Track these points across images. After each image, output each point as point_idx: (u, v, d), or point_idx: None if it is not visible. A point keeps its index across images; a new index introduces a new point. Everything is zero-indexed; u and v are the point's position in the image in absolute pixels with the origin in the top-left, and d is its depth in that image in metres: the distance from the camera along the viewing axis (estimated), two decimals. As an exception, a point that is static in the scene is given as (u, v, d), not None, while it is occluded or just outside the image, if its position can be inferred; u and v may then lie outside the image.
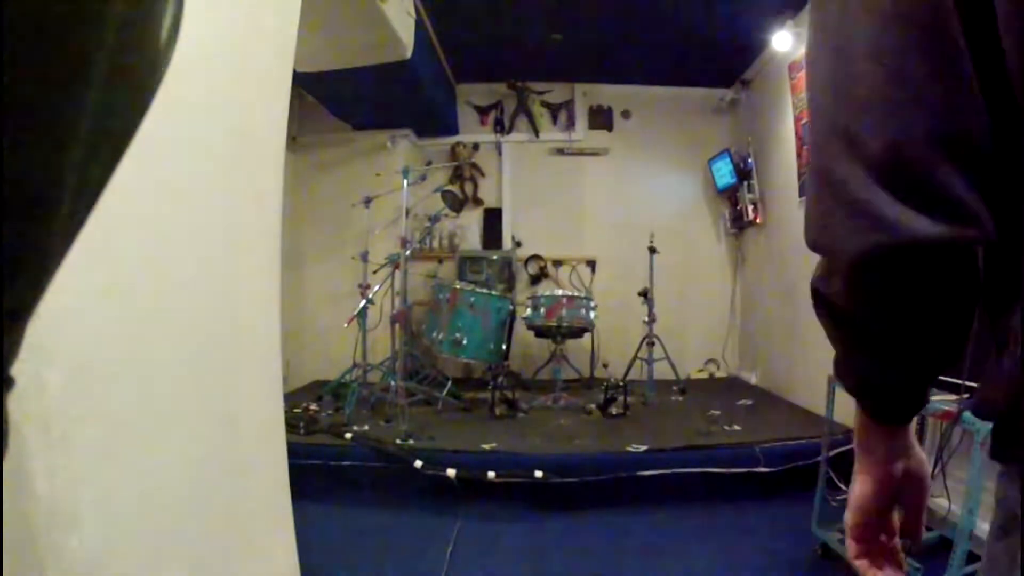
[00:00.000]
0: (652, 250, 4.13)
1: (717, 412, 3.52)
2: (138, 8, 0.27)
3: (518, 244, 4.90)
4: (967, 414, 1.56)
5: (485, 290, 4.06)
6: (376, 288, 3.92)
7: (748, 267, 4.91)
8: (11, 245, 0.24)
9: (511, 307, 4.10)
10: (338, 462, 2.76)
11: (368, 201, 4.15)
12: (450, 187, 3.94)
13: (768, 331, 4.43)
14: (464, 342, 3.85)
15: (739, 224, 4.83)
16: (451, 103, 4.93)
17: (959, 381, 1.64)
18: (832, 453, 2.53)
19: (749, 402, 3.85)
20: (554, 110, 5.06)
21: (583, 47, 4.30)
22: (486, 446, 2.83)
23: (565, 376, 4.27)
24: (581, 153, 5.06)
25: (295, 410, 3.37)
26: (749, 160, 4.51)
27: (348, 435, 2.93)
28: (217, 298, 1.17)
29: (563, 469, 2.64)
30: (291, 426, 2.63)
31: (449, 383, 3.85)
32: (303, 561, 1.49)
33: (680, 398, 4.05)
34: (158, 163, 0.92)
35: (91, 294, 0.80)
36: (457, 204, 4.14)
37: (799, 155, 3.74)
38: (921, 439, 2.29)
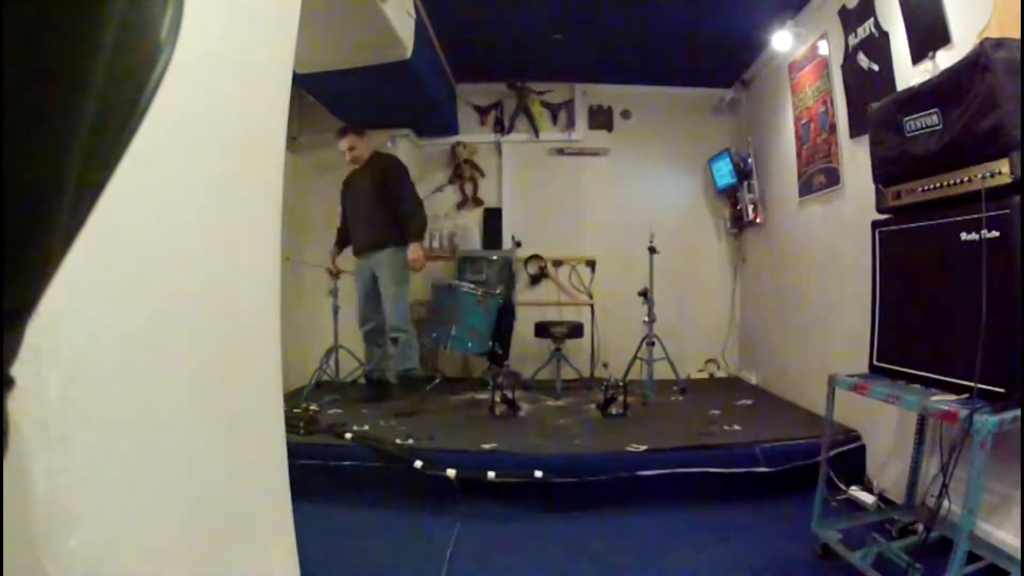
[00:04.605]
0: (652, 250, 4.13)
1: (717, 412, 3.52)
2: (138, 9, 0.27)
3: (518, 244, 4.90)
4: (966, 412, 1.56)
5: (470, 288, 4.11)
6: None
7: (748, 267, 4.91)
8: (11, 245, 0.24)
9: (500, 303, 4.14)
10: (338, 462, 2.76)
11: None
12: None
13: (768, 331, 4.43)
14: (452, 333, 3.98)
15: (739, 224, 4.83)
16: (451, 103, 4.92)
17: (958, 381, 1.65)
18: (832, 453, 2.54)
19: (749, 402, 3.86)
20: (554, 110, 5.06)
21: (583, 47, 4.30)
22: (486, 446, 2.83)
23: (565, 376, 4.27)
24: (581, 153, 5.06)
25: (295, 410, 3.37)
26: (749, 160, 4.51)
27: (348, 435, 2.93)
28: (217, 298, 1.17)
29: (563, 469, 2.64)
30: (291, 426, 2.63)
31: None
32: (303, 561, 1.49)
33: (680, 398, 4.05)
34: (158, 163, 0.92)
35: (91, 294, 0.80)
36: None
37: (799, 155, 3.74)
38: (921, 439, 2.29)
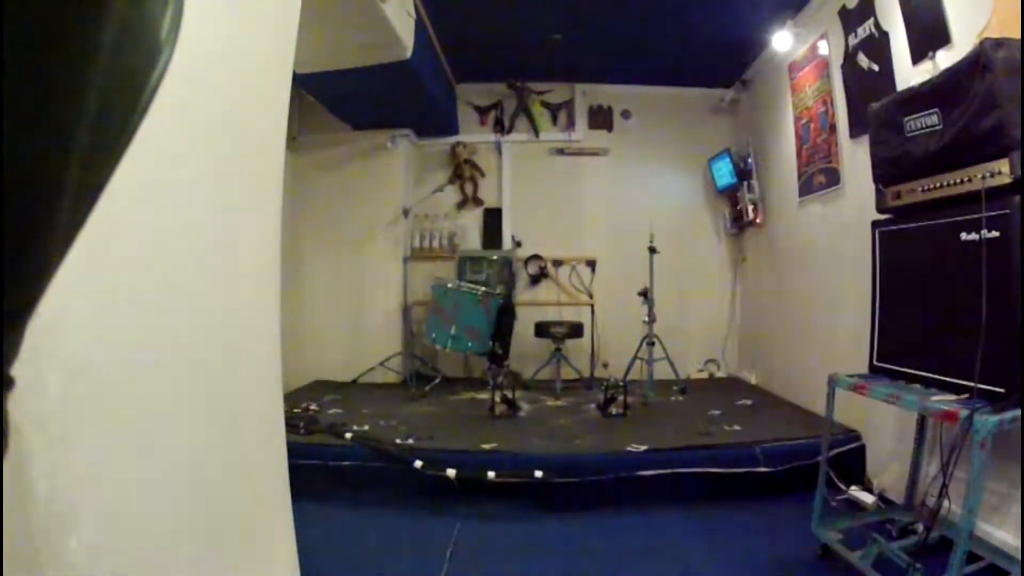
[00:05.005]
0: (652, 250, 4.13)
1: (717, 412, 3.52)
2: (138, 9, 0.27)
3: (518, 244, 4.90)
4: (965, 412, 1.56)
5: (470, 288, 4.10)
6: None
7: (748, 267, 4.91)
8: (11, 245, 0.24)
9: (500, 303, 4.14)
10: (338, 462, 2.76)
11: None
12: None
13: (768, 331, 4.43)
14: (452, 333, 3.98)
15: (739, 224, 4.83)
16: (451, 103, 4.93)
17: (958, 381, 1.65)
18: (832, 453, 2.53)
19: (749, 402, 3.85)
20: (554, 110, 5.06)
21: (583, 47, 4.30)
22: (486, 446, 2.83)
23: (565, 376, 4.27)
24: (581, 153, 5.06)
25: (295, 410, 3.38)
26: (749, 160, 4.51)
27: (348, 435, 2.94)
28: (217, 298, 1.17)
29: (563, 469, 2.64)
30: (291, 426, 2.63)
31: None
32: (303, 561, 1.49)
33: (680, 398, 4.05)
34: (158, 163, 0.92)
35: (91, 294, 0.80)
36: None
37: (799, 155, 3.74)
38: (921, 439, 2.29)
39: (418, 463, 2.64)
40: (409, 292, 4.74)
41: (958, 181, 1.81)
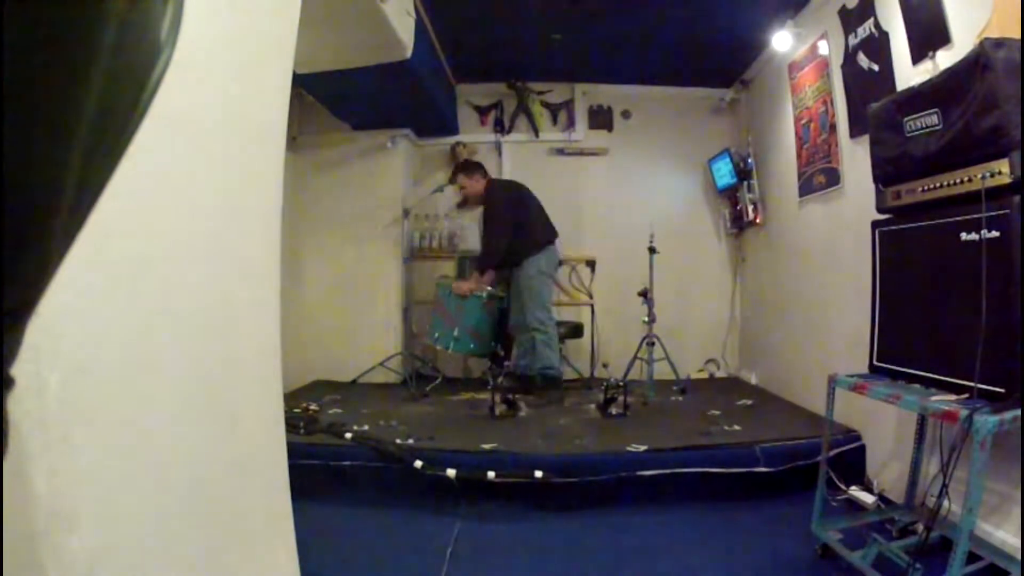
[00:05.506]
0: (652, 250, 4.13)
1: (717, 412, 3.52)
2: (138, 9, 0.27)
3: (518, 244, 4.89)
4: (965, 412, 1.56)
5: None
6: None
7: (748, 267, 4.91)
8: (11, 245, 0.24)
9: (502, 304, 4.13)
10: (338, 462, 2.76)
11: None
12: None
13: (768, 331, 4.43)
14: (455, 335, 3.98)
15: (739, 224, 4.83)
16: (451, 103, 4.92)
17: (959, 381, 1.65)
18: (832, 453, 2.54)
19: (749, 402, 3.85)
20: (554, 110, 5.06)
21: (583, 47, 4.29)
22: (486, 446, 2.83)
23: (565, 376, 4.27)
24: (581, 153, 5.05)
25: (295, 410, 3.37)
26: (749, 160, 4.51)
27: (348, 435, 2.93)
28: (217, 298, 1.17)
29: (563, 469, 2.64)
30: (291, 426, 2.63)
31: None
32: (303, 561, 1.49)
33: (680, 398, 4.05)
34: (158, 163, 0.92)
35: (91, 294, 0.80)
36: None
37: (799, 155, 3.74)
38: (921, 439, 2.29)
39: (418, 463, 2.64)
40: (409, 292, 4.73)
41: (958, 181, 1.81)
